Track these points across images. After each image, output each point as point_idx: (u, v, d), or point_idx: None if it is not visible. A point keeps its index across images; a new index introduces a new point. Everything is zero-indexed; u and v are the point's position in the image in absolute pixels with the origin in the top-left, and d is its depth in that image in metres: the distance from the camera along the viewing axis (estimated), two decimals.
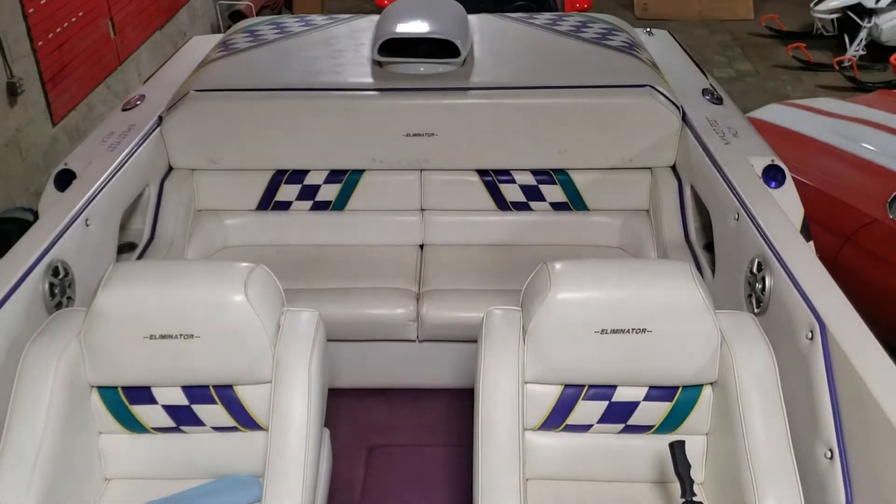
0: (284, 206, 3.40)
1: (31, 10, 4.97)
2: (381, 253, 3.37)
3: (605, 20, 3.87)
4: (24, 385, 2.01)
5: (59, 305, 2.37)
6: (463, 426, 3.12)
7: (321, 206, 3.40)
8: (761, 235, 2.37)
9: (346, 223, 3.42)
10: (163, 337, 2.08)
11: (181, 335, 2.08)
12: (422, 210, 3.43)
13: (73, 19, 5.52)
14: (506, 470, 2.03)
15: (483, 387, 2.13)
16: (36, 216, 4.44)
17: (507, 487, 2.01)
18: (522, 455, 2.06)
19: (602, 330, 2.07)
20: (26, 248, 2.33)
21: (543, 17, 3.90)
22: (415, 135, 3.23)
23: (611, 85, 3.23)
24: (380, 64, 3.37)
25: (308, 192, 3.38)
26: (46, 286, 2.31)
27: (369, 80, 3.31)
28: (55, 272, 2.37)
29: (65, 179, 2.85)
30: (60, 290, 2.39)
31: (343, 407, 3.12)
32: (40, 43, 5.10)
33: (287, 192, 3.38)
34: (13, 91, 4.83)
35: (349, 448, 3.02)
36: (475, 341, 3.03)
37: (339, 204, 3.39)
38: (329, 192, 3.38)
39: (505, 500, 1.99)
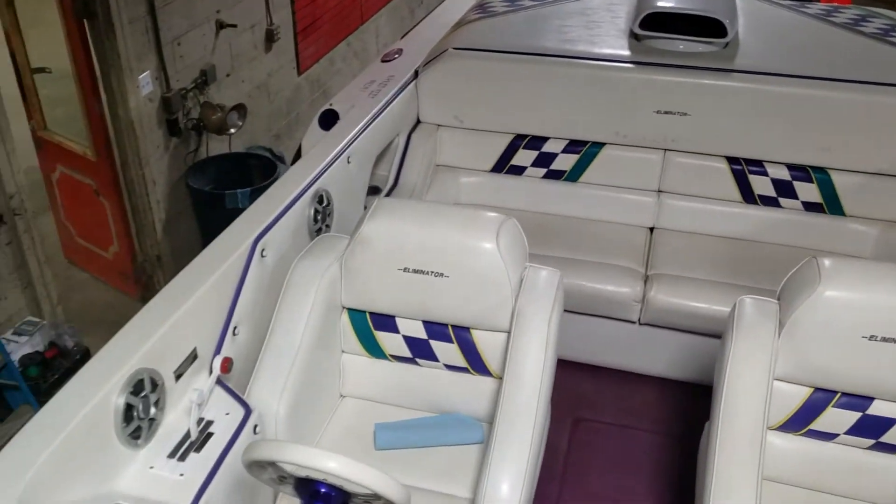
0: (519, 170, 3.42)
1: None
2: (609, 229, 3.31)
3: (890, 16, 3.57)
4: (290, 297, 2.15)
5: (318, 231, 2.52)
6: (673, 417, 3.02)
7: (555, 175, 3.39)
8: None
9: (578, 195, 3.38)
10: (415, 271, 2.16)
11: (432, 272, 2.16)
12: (658, 192, 3.33)
13: None
14: (743, 466, 1.94)
15: (728, 377, 2.04)
16: (273, 155, 4.78)
17: (743, 484, 1.92)
18: (762, 453, 1.96)
19: (871, 336, 1.94)
20: (297, 176, 2.51)
21: (817, 7, 3.65)
22: (666, 112, 3.13)
23: (891, 83, 2.97)
24: (637, 38, 3.29)
25: (544, 160, 3.37)
26: (312, 211, 2.47)
27: (625, 52, 3.24)
28: (320, 200, 2.53)
29: (328, 119, 3.02)
30: (322, 216, 2.54)
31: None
32: None
33: (523, 157, 3.39)
34: (270, 38, 5.18)
35: (556, 416, 3.01)
36: (699, 333, 2.93)
37: (574, 175, 3.36)
38: (565, 162, 3.35)
39: (740, 497, 1.90)
